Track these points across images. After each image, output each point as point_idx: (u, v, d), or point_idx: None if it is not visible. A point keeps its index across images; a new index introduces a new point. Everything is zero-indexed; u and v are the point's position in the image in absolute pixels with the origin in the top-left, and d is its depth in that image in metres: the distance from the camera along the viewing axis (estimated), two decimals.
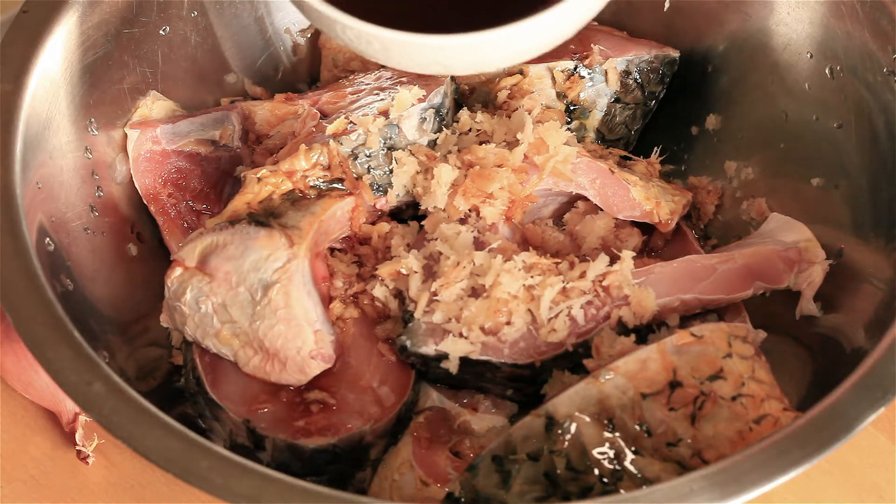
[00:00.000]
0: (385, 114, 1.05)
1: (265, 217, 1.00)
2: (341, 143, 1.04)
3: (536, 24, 0.85)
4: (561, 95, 1.12)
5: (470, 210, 1.04)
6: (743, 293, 1.03)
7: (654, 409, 0.88)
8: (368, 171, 1.05)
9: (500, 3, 0.89)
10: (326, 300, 1.02)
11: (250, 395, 0.97)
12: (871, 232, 1.01)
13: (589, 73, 1.12)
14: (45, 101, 0.99)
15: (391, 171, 1.05)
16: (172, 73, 1.13)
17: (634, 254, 1.01)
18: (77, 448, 1.02)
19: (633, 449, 0.87)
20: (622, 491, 0.85)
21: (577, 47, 1.13)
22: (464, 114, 1.09)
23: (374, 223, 1.07)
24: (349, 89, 1.12)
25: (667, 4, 1.14)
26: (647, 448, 0.88)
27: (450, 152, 1.06)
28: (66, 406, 1.02)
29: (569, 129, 1.11)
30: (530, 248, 1.03)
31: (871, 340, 0.90)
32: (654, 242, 1.12)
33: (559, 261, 1.00)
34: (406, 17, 0.87)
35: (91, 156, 1.04)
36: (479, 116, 1.08)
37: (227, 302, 0.97)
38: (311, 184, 1.03)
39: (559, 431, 0.88)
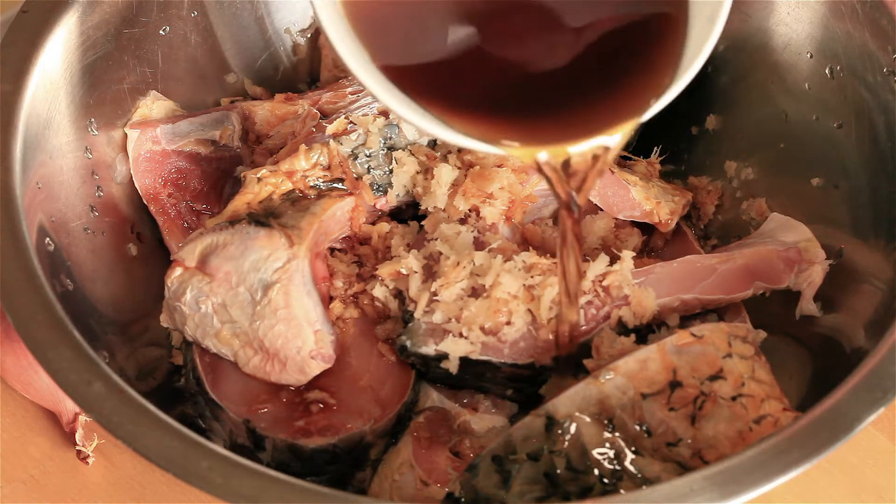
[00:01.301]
0: (385, 114, 1.05)
1: (265, 217, 1.00)
2: (341, 143, 1.04)
3: None
4: None
5: (470, 210, 1.04)
6: (743, 293, 1.03)
7: (654, 410, 0.88)
8: (368, 171, 1.05)
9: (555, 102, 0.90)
10: (326, 300, 1.02)
11: (250, 395, 0.97)
12: (871, 232, 1.01)
13: None
14: (45, 101, 0.99)
15: (391, 171, 1.05)
16: (172, 73, 1.12)
17: (634, 254, 1.01)
18: (77, 448, 1.02)
19: (633, 449, 0.87)
20: (622, 491, 0.85)
21: None
22: None
23: (374, 223, 1.07)
24: (349, 89, 1.12)
25: None
26: (647, 448, 0.87)
27: (450, 152, 1.06)
28: (66, 406, 1.02)
29: None
30: (530, 248, 1.03)
31: (871, 340, 0.90)
32: (654, 242, 1.12)
33: None
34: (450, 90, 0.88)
35: (91, 156, 1.04)
36: None
37: (227, 302, 0.97)
38: (311, 184, 1.03)
39: (559, 431, 0.88)
